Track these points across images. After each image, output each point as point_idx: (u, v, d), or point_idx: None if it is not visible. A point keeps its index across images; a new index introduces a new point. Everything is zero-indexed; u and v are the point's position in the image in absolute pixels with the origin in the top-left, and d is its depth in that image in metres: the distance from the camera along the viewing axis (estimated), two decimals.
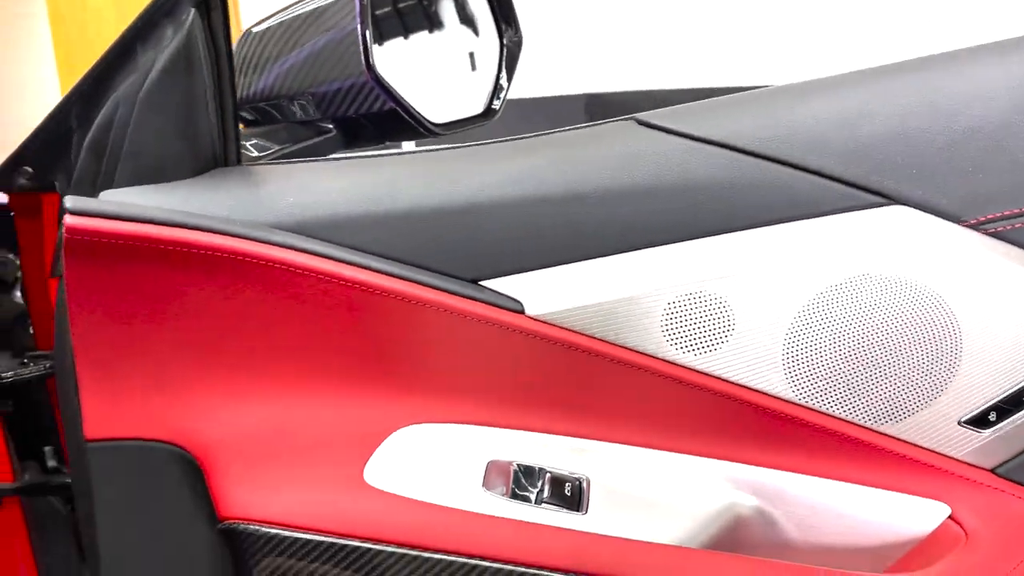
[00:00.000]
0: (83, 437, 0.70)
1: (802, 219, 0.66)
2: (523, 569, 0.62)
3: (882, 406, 0.68)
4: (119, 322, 0.67)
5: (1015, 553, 0.64)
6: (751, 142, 0.67)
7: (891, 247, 0.65)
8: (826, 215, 0.65)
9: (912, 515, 0.68)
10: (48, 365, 0.90)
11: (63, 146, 0.80)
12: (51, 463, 1.00)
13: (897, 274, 0.65)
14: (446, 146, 0.76)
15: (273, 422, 0.69)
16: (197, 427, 0.69)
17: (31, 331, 1.00)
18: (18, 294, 0.99)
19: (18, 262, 0.95)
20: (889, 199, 0.65)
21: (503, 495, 0.67)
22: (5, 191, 0.87)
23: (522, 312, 0.67)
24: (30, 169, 0.83)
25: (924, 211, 0.64)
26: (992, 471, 0.68)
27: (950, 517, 0.68)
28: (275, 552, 0.63)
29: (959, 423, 0.67)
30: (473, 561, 0.63)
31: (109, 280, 0.65)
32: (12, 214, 0.91)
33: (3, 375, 0.87)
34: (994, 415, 0.67)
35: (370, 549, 0.63)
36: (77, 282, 0.65)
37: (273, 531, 0.63)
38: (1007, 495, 0.68)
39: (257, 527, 0.63)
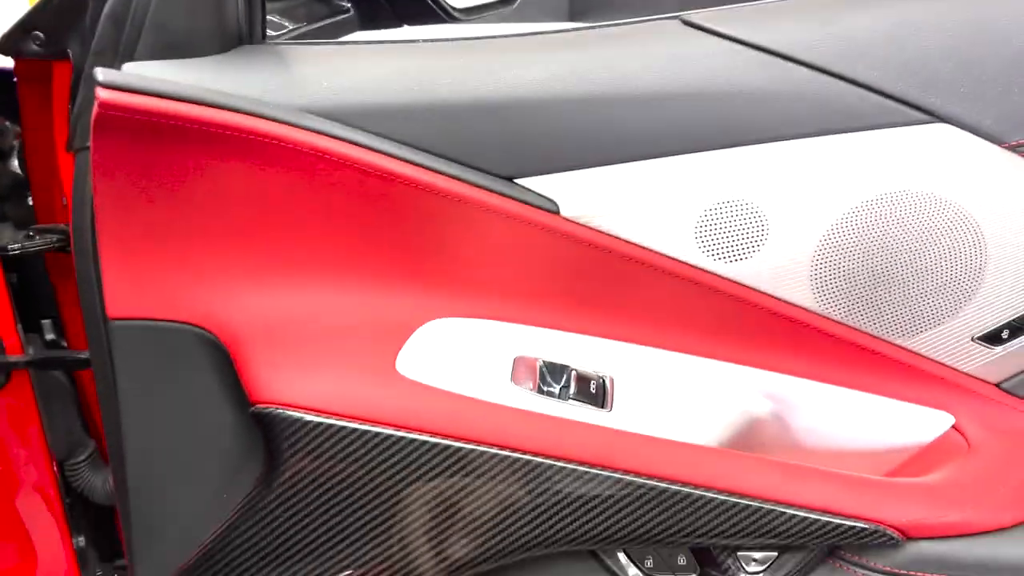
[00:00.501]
0: (104, 315, 0.70)
1: (845, 132, 0.66)
2: (550, 461, 0.65)
3: (901, 320, 0.70)
4: (146, 201, 0.66)
5: (1015, 462, 0.68)
6: (800, 50, 0.66)
7: (931, 164, 0.65)
8: (870, 129, 0.65)
9: (917, 423, 0.72)
10: (55, 239, 0.88)
11: (78, 11, 0.76)
12: (49, 336, 1.00)
13: (933, 191, 0.66)
14: (485, 35, 0.74)
15: (303, 309, 0.69)
16: (225, 311, 0.69)
17: (30, 203, 0.97)
18: (16, 163, 0.96)
19: (18, 130, 0.91)
20: (934, 117, 0.65)
21: (530, 390, 0.69)
22: (13, 56, 0.82)
23: (557, 212, 0.67)
24: (41, 34, 0.79)
25: (967, 131, 0.65)
26: (997, 386, 0.72)
27: (953, 427, 0.71)
28: (307, 437, 0.64)
29: (972, 339, 0.70)
30: (502, 452, 0.65)
31: (139, 157, 0.63)
32: (15, 80, 0.87)
33: (10, 247, 0.85)
34: (1007, 333, 0.69)
35: (402, 437, 0.64)
36: (105, 158, 0.63)
37: (306, 416, 0.64)
38: (1010, 408, 0.71)
39: (290, 412, 0.64)
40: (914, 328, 0.70)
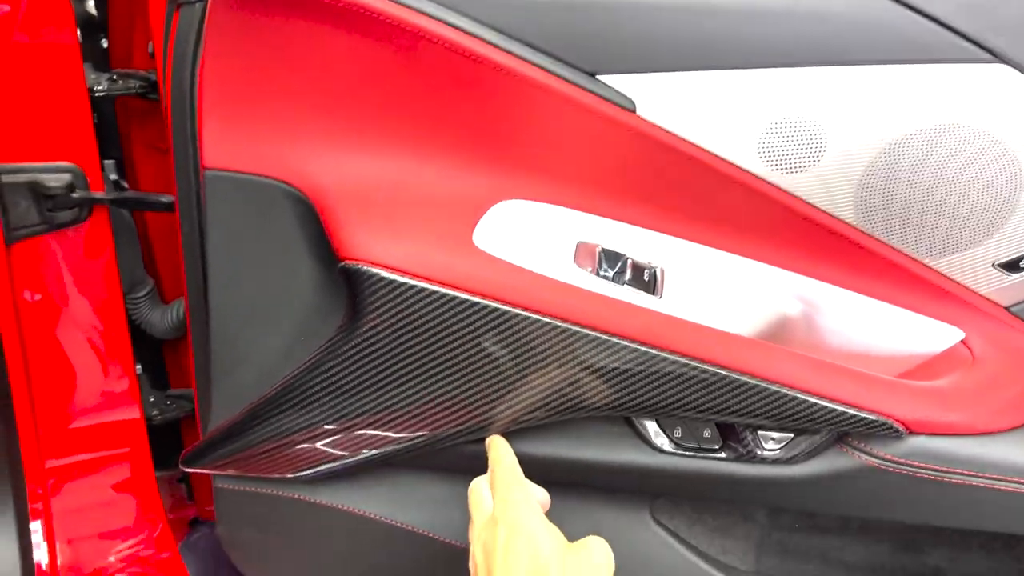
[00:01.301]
0: (198, 164, 0.75)
1: (912, 63, 0.70)
2: (603, 336, 0.72)
3: (932, 242, 0.76)
4: (253, 60, 0.70)
5: (1014, 377, 0.77)
6: None
7: (985, 102, 0.71)
8: (935, 63, 0.70)
9: (930, 335, 0.80)
10: (138, 84, 0.91)
11: None
12: (112, 176, 1.05)
13: (983, 127, 0.71)
14: None
15: (391, 177, 0.74)
16: (316, 171, 0.74)
17: (104, 45, 1.00)
18: (92, 3, 0.98)
19: None
20: (996, 58, 0.69)
21: (590, 272, 0.76)
22: None
23: (633, 111, 0.72)
24: None
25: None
26: (1007, 308, 0.80)
27: (962, 342, 0.80)
28: (391, 294, 0.71)
29: (993, 265, 0.77)
30: (561, 324, 0.72)
31: (252, 18, 0.67)
32: None
33: (96, 89, 0.89)
34: None
35: (476, 303, 0.71)
36: (221, 16, 0.67)
37: (393, 276, 0.70)
38: (1015, 330, 0.80)
39: (376, 269, 0.70)
40: (942, 250, 0.77)
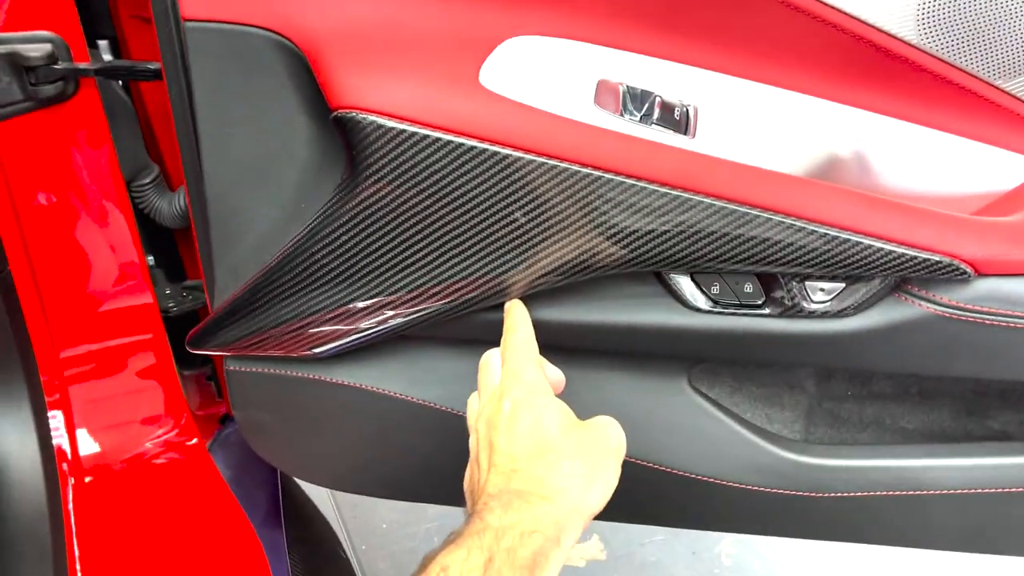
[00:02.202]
0: (177, 16, 0.68)
1: None
2: (629, 181, 0.65)
3: (1003, 59, 0.67)
4: None
5: None
6: None
7: None
8: None
9: (1004, 168, 0.71)
10: None
11: None
12: (107, 56, 0.98)
13: None
14: None
15: (386, 14, 0.66)
16: (303, 17, 0.67)
17: None
18: None
19: None
20: None
21: (612, 113, 0.68)
22: None
23: None
24: None
25: None
26: None
27: None
28: (391, 143, 0.64)
29: None
30: (581, 169, 0.64)
31: None
32: None
33: None
34: None
35: (484, 149, 0.64)
36: None
37: (391, 123, 0.64)
38: None
39: (373, 117, 0.64)
40: (1015, 69, 0.67)
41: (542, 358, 0.66)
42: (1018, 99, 0.69)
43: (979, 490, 0.78)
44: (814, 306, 0.69)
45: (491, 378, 0.66)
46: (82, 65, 0.83)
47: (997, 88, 0.68)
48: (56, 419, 0.91)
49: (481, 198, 0.66)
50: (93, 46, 0.97)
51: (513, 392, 0.62)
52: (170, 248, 1.10)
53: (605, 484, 0.60)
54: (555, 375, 0.67)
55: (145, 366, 0.98)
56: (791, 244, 0.65)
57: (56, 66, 0.81)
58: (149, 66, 0.84)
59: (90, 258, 0.92)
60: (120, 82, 0.95)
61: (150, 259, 1.06)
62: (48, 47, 0.81)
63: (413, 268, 0.70)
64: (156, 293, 1.03)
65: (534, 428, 0.59)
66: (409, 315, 0.73)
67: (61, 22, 0.82)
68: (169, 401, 0.99)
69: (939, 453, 0.79)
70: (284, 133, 0.71)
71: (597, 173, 0.64)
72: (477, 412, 0.65)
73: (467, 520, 0.56)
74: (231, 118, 0.71)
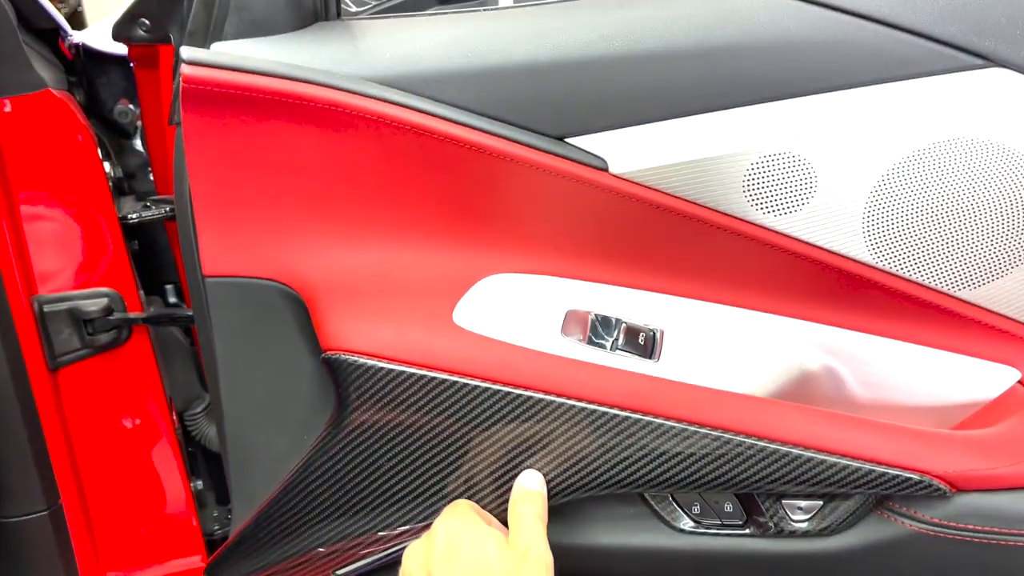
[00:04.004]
0: (201, 273, 0.78)
1: (894, 80, 0.65)
2: (595, 407, 0.67)
3: (961, 272, 0.68)
4: (232, 167, 0.73)
5: None
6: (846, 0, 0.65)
7: (986, 110, 0.64)
8: (920, 77, 0.64)
9: (981, 379, 0.70)
10: (168, 209, 0.98)
11: None
12: (172, 300, 1.11)
13: (990, 138, 0.64)
14: (546, 1, 0.77)
15: (371, 266, 0.74)
16: (303, 268, 0.75)
17: (151, 177, 1.08)
18: (139, 142, 1.07)
19: (138, 111, 1.02)
20: (988, 61, 0.63)
21: (580, 341, 0.72)
22: (124, 42, 0.92)
23: (606, 169, 0.69)
24: (147, 21, 0.88)
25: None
26: None
27: (1019, 382, 0.69)
28: (372, 380, 0.69)
29: None
30: (549, 397, 0.68)
31: (222, 127, 0.70)
32: (132, 65, 0.97)
33: (130, 217, 0.95)
34: None
35: (456, 382, 0.68)
36: (193, 129, 0.70)
37: (371, 362, 0.69)
38: None
39: (357, 358, 0.70)
40: (975, 280, 0.68)
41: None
42: (985, 309, 0.69)
43: None
44: (795, 525, 0.67)
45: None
46: (133, 315, 0.94)
47: (960, 300, 0.69)
48: None
49: (455, 426, 0.69)
50: (159, 293, 1.10)
51: (447, 522, 0.63)
52: (219, 472, 1.16)
53: None
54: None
55: None
56: (760, 465, 0.65)
57: (111, 317, 0.92)
58: (188, 313, 0.95)
59: (138, 485, 1.00)
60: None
61: (199, 483, 1.12)
62: (105, 301, 0.92)
63: (398, 498, 0.73)
64: (203, 516, 1.09)
65: (474, 555, 0.60)
66: (402, 537, 0.75)
67: (118, 278, 0.94)
68: None
69: None
70: (291, 373, 0.77)
71: (559, 400, 0.68)
72: (407, 552, 0.65)
73: None
74: (245, 361, 0.78)
